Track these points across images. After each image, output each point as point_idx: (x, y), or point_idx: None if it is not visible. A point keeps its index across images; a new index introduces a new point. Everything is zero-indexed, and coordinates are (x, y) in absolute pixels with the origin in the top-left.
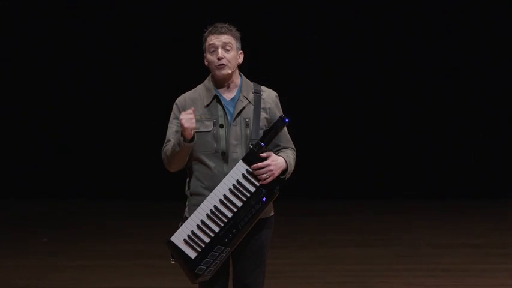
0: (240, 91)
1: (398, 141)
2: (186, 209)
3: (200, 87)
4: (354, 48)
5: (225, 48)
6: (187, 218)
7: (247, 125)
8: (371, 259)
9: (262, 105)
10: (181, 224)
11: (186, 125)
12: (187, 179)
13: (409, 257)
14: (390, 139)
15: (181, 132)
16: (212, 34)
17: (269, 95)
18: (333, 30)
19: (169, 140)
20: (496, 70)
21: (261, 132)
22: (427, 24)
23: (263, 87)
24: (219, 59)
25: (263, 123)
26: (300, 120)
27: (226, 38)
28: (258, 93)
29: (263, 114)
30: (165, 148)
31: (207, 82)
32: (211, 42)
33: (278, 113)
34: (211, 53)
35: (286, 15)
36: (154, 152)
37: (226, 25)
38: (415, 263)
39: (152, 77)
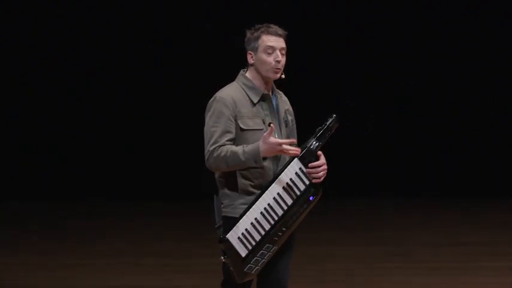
0: (275, 91)
1: (389, 138)
2: (227, 209)
3: (239, 85)
4: (357, 44)
5: (281, 52)
6: (228, 217)
7: (286, 124)
8: (361, 258)
9: (286, 107)
10: (222, 225)
11: (292, 153)
12: (224, 178)
13: (399, 255)
14: (381, 136)
15: (259, 149)
16: (270, 35)
17: (285, 97)
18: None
19: (218, 142)
20: None
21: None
22: (446, 17)
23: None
24: (278, 61)
25: (291, 124)
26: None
27: (283, 43)
28: (279, 94)
29: (289, 116)
30: (224, 153)
31: (247, 81)
32: (270, 44)
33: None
34: (268, 54)
35: (285, 14)
36: (143, 151)
37: (280, 28)
38: (404, 261)
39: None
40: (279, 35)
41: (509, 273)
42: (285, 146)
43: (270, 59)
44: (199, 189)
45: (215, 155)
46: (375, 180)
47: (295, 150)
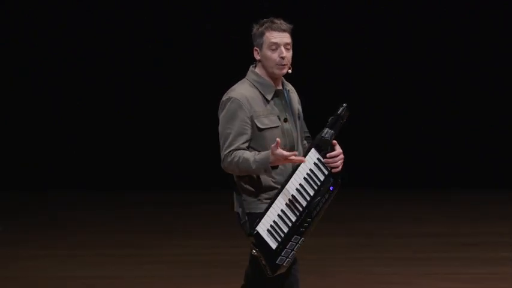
0: (284, 84)
1: (359, 129)
2: (252, 205)
3: (251, 83)
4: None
5: (286, 48)
6: (253, 213)
7: (299, 117)
8: (327, 248)
9: (296, 98)
10: (247, 221)
11: (296, 160)
12: (246, 175)
13: (365, 246)
14: (353, 127)
15: (268, 158)
16: (273, 31)
17: (292, 87)
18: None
19: (232, 145)
20: None
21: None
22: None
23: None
24: (282, 58)
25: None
26: None
27: (287, 37)
28: (286, 85)
29: (298, 107)
30: (237, 159)
31: (257, 77)
32: (274, 40)
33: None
34: (272, 50)
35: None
36: (109, 141)
37: (283, 21)
38: (370, 252)
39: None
40: (283, 30)
41: (478, 263)
42: (291, 158)
43: (275, 56)
44: (170, 181)
45: (229, 159)
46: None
47: (300, 158)
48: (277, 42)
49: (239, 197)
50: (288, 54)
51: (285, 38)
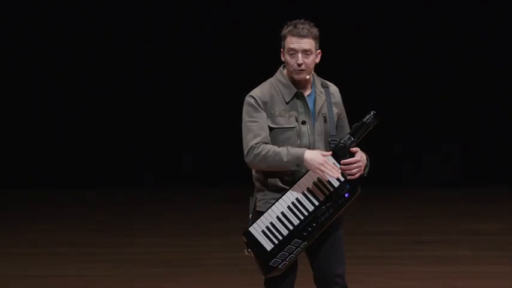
0: (314, 86)
1: None
2: (260, 203)
3: (274, 82)
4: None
5: (304, 54)
6: (260, 212)
7: (325, 120)
8: None
9: (333, 100)
10: (252, 219)
11: (331, 174)
12: (259, 173)
13: None
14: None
15: (303, 154)
16: (293, 36)
17: (335, 89)
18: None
19: (258, 136)
20: None
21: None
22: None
23: (327, 82)
24: (298, 64)
25: (336, 118)
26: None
27: (307, 44)
28: (326, 88)
29: (334, 109)
30: (266, 152)
31: (282, 77)
32: (292, 46)
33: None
34: (291, 55)
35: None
36: (61, 139)
37: (307, 26)
38: None
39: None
40: (303, 36)
41: (431, 261)
42: (326, 165)
43: (293, 61)
44: (126, 179)
45: (256, 152)
46: None
47: (334, 171)
48: (294, 48)
49: (252, 194)
50: (306, 61)
51: (303, 44)
